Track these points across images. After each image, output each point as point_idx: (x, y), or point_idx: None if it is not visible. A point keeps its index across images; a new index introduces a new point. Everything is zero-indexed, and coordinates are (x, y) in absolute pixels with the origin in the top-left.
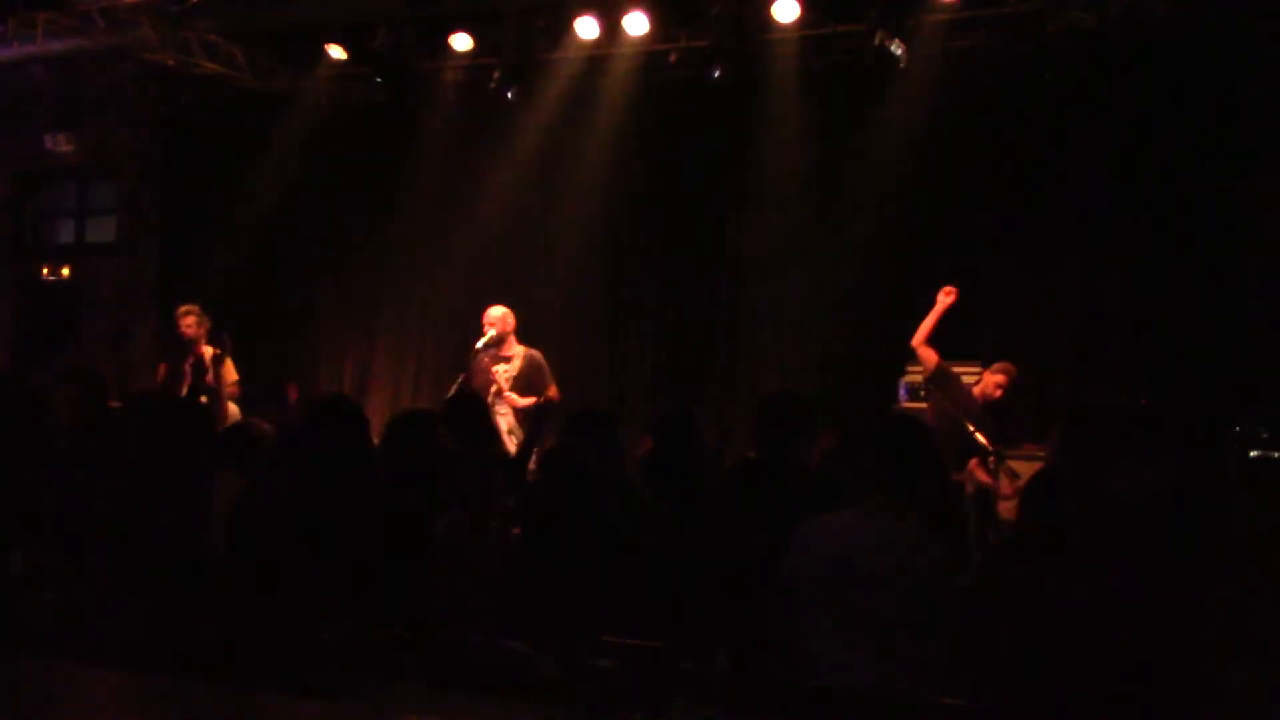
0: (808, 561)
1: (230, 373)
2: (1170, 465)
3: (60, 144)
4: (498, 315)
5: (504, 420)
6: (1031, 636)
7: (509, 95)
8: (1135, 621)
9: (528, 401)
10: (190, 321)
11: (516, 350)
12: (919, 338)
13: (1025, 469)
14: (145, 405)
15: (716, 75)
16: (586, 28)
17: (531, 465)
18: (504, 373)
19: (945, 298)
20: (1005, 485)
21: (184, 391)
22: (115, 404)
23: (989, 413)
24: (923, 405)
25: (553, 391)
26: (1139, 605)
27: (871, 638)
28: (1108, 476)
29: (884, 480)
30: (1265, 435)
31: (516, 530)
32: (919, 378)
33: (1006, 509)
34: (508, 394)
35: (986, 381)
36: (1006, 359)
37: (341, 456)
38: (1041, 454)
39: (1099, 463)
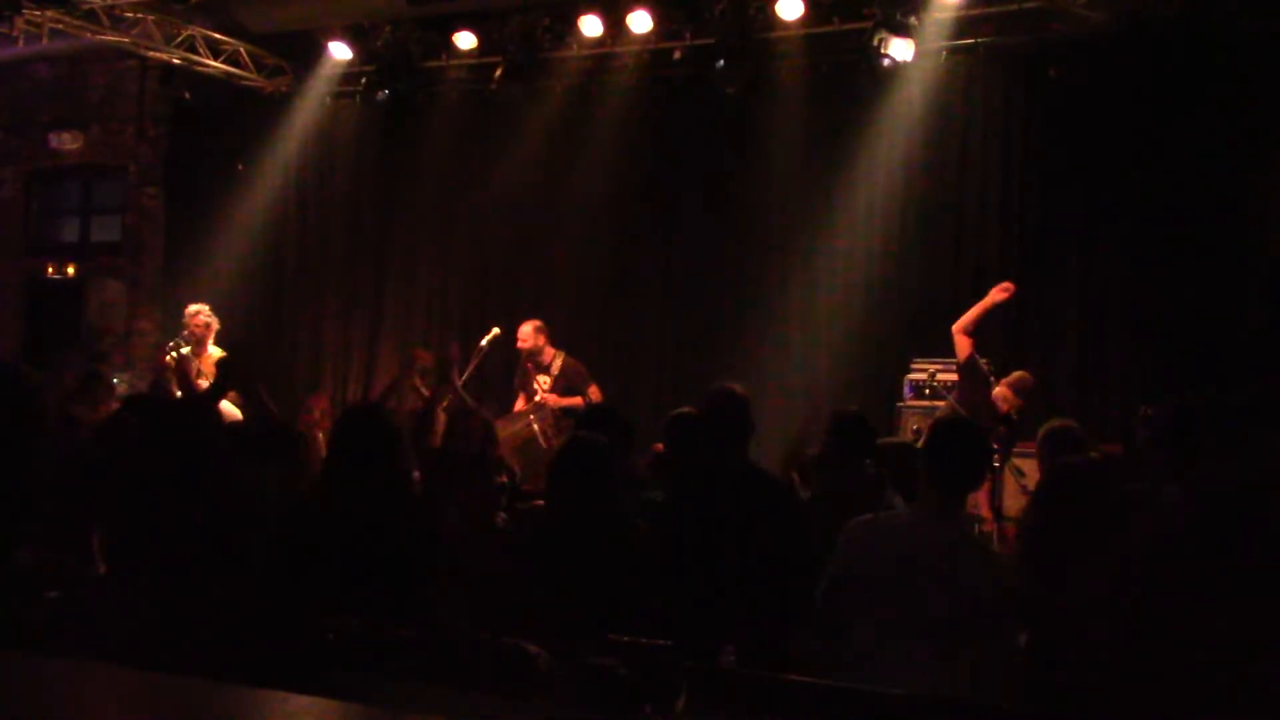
0: (863, 561)
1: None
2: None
3: (65, 143)
4: (528, 332)
5: (538, 426)
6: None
7: (513, 95)
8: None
9: (570, 401)
10: (200, 321)
11: (554, 357)
12: (960, 325)
13: (1030, 467)
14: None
15: (733, 90)
16: (590, 25)
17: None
18: (544, 380)
19: (1000, 294)
20: (1011, 484)
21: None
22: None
23: (1000, 421)
24: (925, 403)
25: (593, 392)
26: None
27: (930, 639)
28: (1208, 470)
29: (940, 483)
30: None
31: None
32: (924, 375)
33: (1016, 508)
34: (545, 395)
35: (1002, 393)
36: (1008, 356)
37: (354, 460)
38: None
39: (1205, 457)
